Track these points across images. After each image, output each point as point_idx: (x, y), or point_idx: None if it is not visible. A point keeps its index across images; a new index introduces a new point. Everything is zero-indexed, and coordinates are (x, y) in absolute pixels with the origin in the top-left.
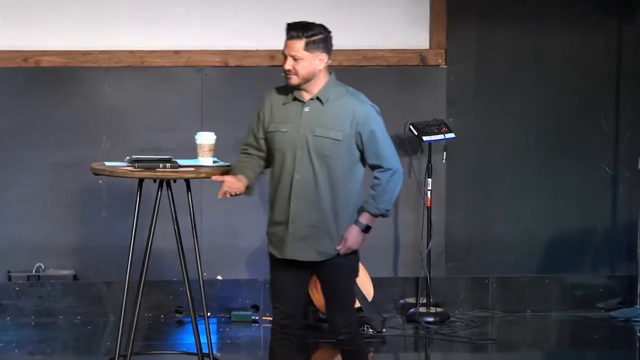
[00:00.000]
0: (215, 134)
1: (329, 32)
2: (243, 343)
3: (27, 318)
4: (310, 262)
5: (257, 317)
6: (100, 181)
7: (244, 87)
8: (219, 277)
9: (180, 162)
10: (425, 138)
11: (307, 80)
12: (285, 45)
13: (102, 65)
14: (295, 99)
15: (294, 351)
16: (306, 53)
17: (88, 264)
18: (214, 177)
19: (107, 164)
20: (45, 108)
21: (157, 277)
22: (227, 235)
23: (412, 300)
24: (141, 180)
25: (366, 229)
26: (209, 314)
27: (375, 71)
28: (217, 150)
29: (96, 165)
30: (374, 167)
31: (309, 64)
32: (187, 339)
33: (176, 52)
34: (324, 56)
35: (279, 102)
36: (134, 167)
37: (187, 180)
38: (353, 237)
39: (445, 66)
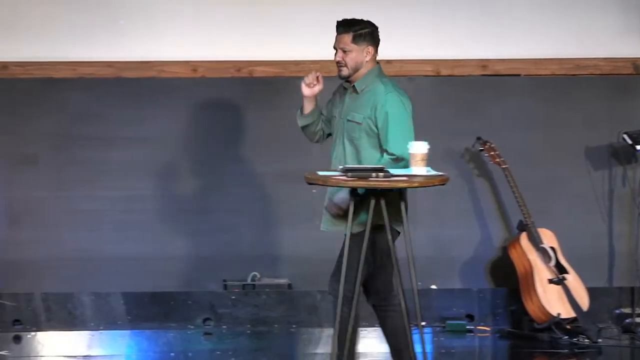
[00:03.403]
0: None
1: (375, 27)
2: (458, 352)
3: (243, 327)
4: None
5: (471, 327)
6: (314, 190)
7: (454, 96)
8: (433, 287)
9: (393, 171)
10: (639, 147)
11: (356, 70)
12: (336, 40)
13: None
14: (344, 88)
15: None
16: (354, 45)
17: (303, 273)
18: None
19: (320, 173)
20: (258, 118)
21: None
22: (440, 244)
23: (627, 310)
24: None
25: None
26: (423, 323)
27: (588, 80)
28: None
29: (309, 174)
30: (383, 152)
31: (356, 55)
32: None
33: (388, 61)
34: (370, 49)
35: (339, 90)
36: (347, 177)
37: (400, 190)
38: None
39: None
